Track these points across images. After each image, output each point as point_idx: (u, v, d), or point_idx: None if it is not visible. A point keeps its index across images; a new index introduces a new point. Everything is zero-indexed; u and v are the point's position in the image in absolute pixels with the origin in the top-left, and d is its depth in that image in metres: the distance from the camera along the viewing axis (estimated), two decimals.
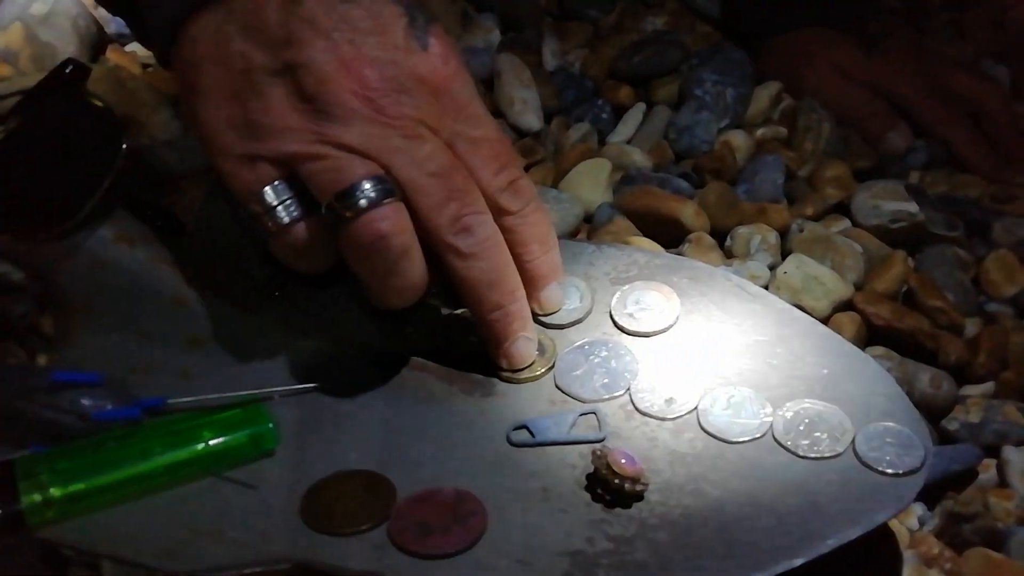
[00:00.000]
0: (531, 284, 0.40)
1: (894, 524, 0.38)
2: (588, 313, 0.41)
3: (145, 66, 0.57)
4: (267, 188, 0.37)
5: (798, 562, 0.31)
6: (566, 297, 0.42)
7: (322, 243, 0.38)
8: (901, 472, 0.34)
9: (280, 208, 0.37)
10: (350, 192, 0.36)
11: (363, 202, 0.36)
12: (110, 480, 0.34)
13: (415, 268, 0.37)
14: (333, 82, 0.36)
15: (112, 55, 0.56)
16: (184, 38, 0.38)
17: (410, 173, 0.37)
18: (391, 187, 0.36)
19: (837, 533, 0.32)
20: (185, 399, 0.37)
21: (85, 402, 0.35)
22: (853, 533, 0.32)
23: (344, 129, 0.36)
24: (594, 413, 0.37)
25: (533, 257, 0.40)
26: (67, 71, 0.39)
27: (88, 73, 0.40)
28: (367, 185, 0.36)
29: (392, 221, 0.36)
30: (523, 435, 0.37)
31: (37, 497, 0.33)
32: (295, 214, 0.37)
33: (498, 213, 0.39)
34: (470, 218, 0.37)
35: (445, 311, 0.41)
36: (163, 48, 0.39)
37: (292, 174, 0.37)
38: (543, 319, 0.41)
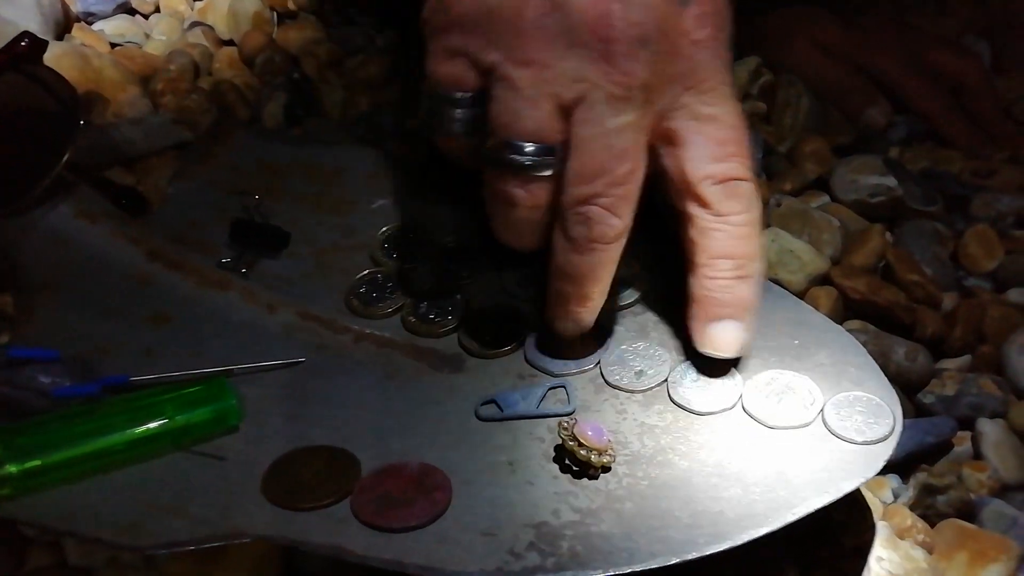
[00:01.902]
0: (700, 309, 0.34)
1: (868, 497, 0.37)
2: None
3: (113, 45, 0.56)
4: (456, 90, 0.35)
5: (764, 531, 0.31)
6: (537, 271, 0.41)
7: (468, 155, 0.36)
8: (870, 440, 0.33)
9: (452, 116, 0.35)
10: (511, 147, 0.34)
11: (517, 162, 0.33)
12: (68, 456, 0.33)
13: (527, 240, 0.36)
14: (578, 7, 0.32)
15: (79, 34, 0.55)
16: None
17: (582, 133, 0.33)
18: (552, 157, 0.33)
19: (804, 502, 0.32)
20: (148, 376, 0.37)
21: (44, 379, 0.35)
22: (820, 502, 0.32)
23: (553, 60, 0.33)
24: (563, 387, 0.37)
25: (716, 275, 0.34)
26: (22, 44, 0.39)
27: (44, 47, 0.39)
28: (529, 148, 0.33)
29: (527, 196, 0.34)
30: (491, 409, 0.36)
31: None
32: (458, 129, 0.36)
33: (699, 204, 0.34)
34: (596, 209, 0.33)
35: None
36: None
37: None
38: (516, 293, 0.40)
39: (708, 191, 0.34)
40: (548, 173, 0.34)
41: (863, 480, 0.32)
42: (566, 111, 0.34)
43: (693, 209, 0.34)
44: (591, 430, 0.34)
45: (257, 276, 0.42)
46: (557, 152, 0.34)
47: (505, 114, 0.34)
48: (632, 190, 0.34)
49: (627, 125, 0.33)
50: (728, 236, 0.34)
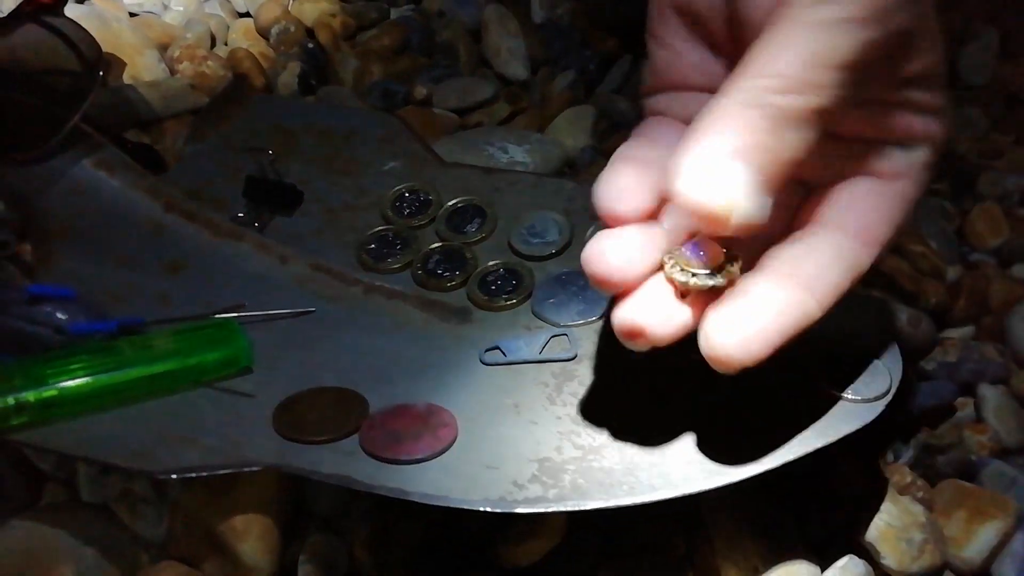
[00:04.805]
0: None
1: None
2: (567, 246, 0.41)
3: (132, 14, 0.57)
4: None
5: (759, 469, 0.31)
6: (545, 231, 0.42)
7: None
8: (869, 398, 0.34)
9: None
10: None
11: None
12: (84, 388, 0.34)
13: None
14: None
15: (98, 1, 0.57)
16: None
17: None
18: None
19: (802, 444, 0.32)
20: (163, 319, 0.38)
21: (60, 316, 0.36)
22: (818, 443, 0.32)
23: None
24: (566, 335, 0.38)
25: None
26: None
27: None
28: None
29: None
30: (495, 355, 0.37)
31: (11, 401, 0.33)
32: None
33: None
34: None
35: None
36: None
37: None
38: (524, 251, 0.41)
39: None
40: None
41: (862, 423, 0.33)
42: None
43: None
44: (692, 249, 0.27)
45: (270, 231, 0.43)
46: None
47: None
48: None
49: None
50: None
